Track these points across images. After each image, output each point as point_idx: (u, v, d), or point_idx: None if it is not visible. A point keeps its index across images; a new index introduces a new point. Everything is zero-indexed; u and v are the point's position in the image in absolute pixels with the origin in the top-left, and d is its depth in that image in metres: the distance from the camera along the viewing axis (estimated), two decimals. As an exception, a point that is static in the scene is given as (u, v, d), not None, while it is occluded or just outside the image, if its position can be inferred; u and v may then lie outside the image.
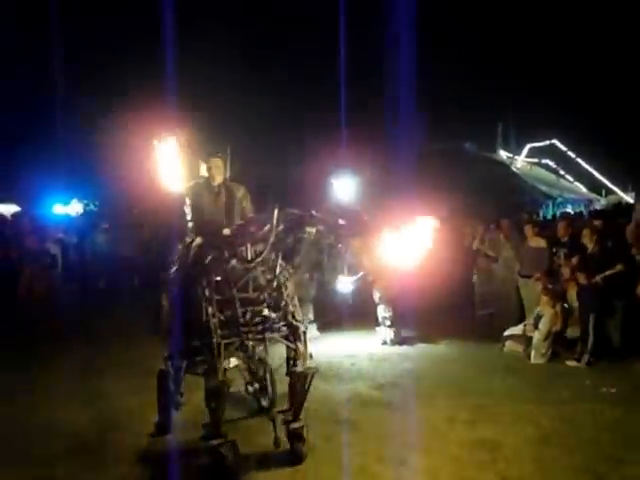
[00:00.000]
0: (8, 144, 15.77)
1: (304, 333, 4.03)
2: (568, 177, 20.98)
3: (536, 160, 20.70)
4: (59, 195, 15.02)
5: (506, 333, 6.77)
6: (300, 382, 3.94)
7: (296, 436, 3.91)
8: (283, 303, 4.02)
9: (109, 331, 7.33)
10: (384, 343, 6.99)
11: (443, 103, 19.49)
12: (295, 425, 3.93)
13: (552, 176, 20.39)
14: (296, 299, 4.16)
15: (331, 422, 4.55)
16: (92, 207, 16.45)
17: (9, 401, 5.00)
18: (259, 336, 3.92)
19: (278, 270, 4.01)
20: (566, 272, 6.73)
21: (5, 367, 5.94)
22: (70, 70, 15.54)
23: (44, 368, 5.83)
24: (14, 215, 11.93)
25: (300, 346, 3.97)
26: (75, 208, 15.84)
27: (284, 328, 4.00)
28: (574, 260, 6.57)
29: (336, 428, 4.44)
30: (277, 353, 4.31)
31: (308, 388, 3.97)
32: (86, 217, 14.18)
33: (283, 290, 4.05)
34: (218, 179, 4.36)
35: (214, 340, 3.73)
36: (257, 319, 3.94)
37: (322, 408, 4.80)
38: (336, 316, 7.57)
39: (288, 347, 4.02)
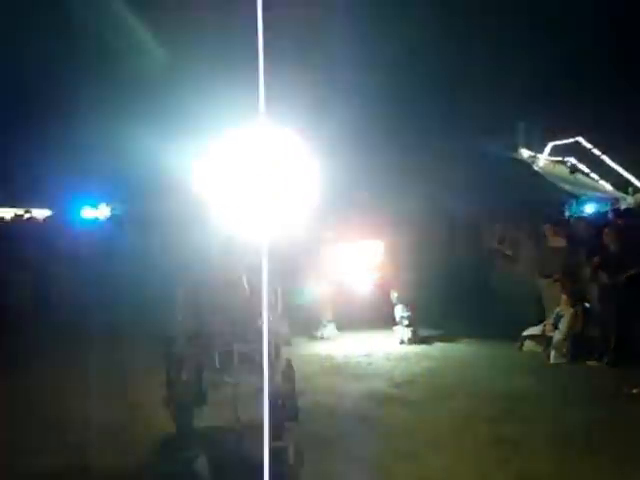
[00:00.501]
0: (42, 151, 16.27)
1: (277, 347, 3.69)
2: (593, 175, 20.56)
3: (559, 158, 20.31)
4: (88, 199, 15.51)
5: (525, 333, 6.75)
6: (274, 401, 3.51)
7: (277, 457, 3.43)
8: (258, 311, 3.75)
9: (138, 330, 7.51)
10: (402, 342, 7.03)
11: (460, 99, 19.26)
12: (275, 444, 3.45)
13: (576, 174, 19.99)
14: (280, 307, 3.83)
15: (348, 418, 4.61)
16: (119, 211, 16.86)
17: (44, 397, 5.18)
18: (227, 347, 3.62)
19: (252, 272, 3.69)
20: (587, 272, 6.67)
21: (39, 365, 6.15)
22: (100, 76, 15.86)
23: (76, 366, 5.99)
24: (46, 219, 12.35)
25: (273, 361, 3.58)
26: (103, 212, 16.31)
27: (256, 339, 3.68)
28: (595, 259, 6.51)
29: (353, 424, 4.49)
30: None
31: (284, 406, 3.61)
32: (113, 220, 14.60)
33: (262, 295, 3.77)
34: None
35: (174, 350, 3.53)
36: (226, 328, 3.63)
37: (339, 405, 4.90)
38: (353, 316, 7.64)
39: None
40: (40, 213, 14.44)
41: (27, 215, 12.77)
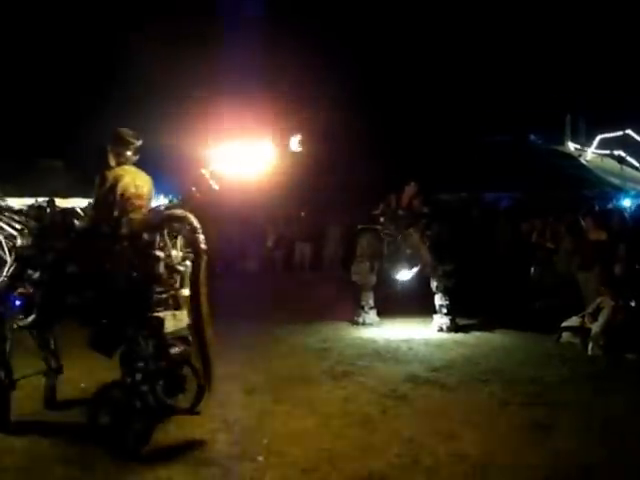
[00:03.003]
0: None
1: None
2: (644, 169, 19.89)
3: (607, 151, 19.72)
4: None
5: (563, 324, 6.82)
6: None
7: None
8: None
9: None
10: (440, 330, 7.21)
11: (506, 92, 18.96)
12: None
13: (624, 168, 19.37)
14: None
15: (387, 397, 4.88)
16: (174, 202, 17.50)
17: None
18: None
19: None
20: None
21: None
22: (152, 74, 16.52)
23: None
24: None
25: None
26: (161, 202, 17.02)
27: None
28: (621, 250, 6.51)
29: (391, 403, 4.76)
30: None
31: None
32: None
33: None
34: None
35: None
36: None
37: (379, 385, 5.18)
38: (394, 303, 7.90)
39: None
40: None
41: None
